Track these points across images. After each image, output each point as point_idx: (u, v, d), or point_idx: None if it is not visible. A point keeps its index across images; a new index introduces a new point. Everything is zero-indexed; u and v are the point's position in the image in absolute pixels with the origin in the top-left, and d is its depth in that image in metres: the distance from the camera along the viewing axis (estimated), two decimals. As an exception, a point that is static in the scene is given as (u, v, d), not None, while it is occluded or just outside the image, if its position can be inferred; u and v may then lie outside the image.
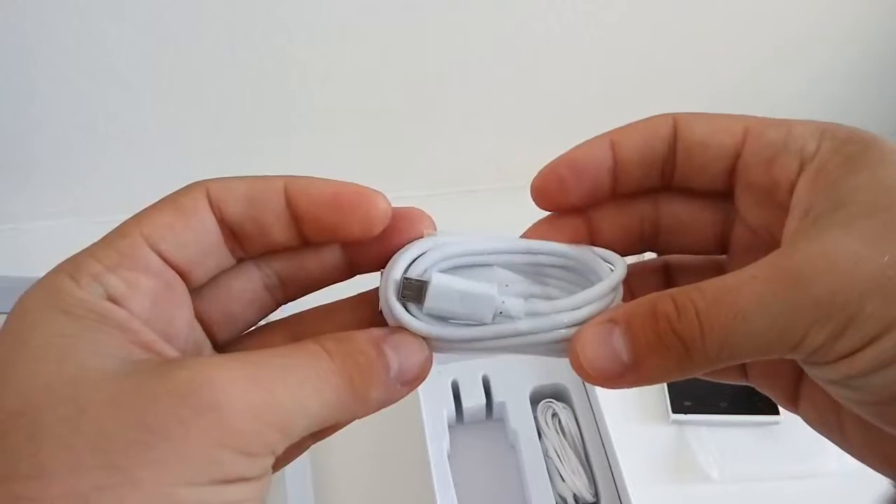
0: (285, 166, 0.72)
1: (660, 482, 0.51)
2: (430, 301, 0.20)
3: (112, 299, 0.17)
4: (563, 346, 0.21)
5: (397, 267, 0.21)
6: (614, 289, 0.21)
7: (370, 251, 0.21)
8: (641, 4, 0.57)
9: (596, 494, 0.48)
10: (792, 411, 0.22)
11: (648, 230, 0.23)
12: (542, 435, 0.50)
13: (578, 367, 0.19)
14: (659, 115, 0.22)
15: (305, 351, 0.18)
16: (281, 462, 0.20)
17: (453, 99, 0.63)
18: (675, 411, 0.53)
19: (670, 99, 0.67)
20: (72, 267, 0.18)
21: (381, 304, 0.21)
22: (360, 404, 0.18)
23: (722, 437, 0.53)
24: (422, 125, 0.65)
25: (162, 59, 0.55)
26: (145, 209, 0.19)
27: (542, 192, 0.22)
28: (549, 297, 0.21)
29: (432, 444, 0.48)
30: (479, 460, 0.51)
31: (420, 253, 0.21)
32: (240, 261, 0.21)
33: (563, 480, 0.48)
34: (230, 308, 0.21)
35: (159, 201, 0.20)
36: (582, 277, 0.22)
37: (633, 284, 0.23)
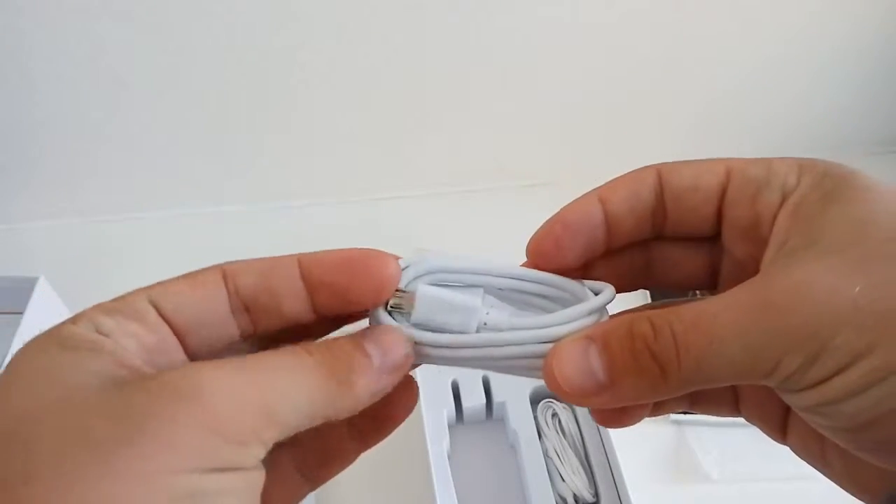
0: (285, 166, 0.73)
1: (660, 482, 0.51)
2: (417, 311, 0.21)
3: (102, 333, 0.18)
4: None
5: None
6: (599, 310, 0.21)
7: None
8: (641, 6, 0.57)
9: (596, 494, 0.48)
10: (781, 442, 0.23)
11: (640, 273, 0.24)
12: (542, 435, 0.50)
13: (552, 382, 0.19)
14: (641, 168, 0.22)
15: (287, 351, 0.19)
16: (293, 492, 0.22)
17: (453, 99, 0.63)
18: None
19: (670, 100, 0.67)
20: (75, 315, 0.19)
21: (369, 317, 0.22)
22: (347, 395, 0.19)
23: (722, 437, 0.53)
24: (422, 125, 0.66)
25: (162, 58, 0.55)
26: (163, 280, 0.21)
27: (539, 253, 0.22)
28: None
29: (432, 444, 0.48)
30: (479, 460, 0.51)
31: (405, 266, 0.21)
32: (246, 338, 0.21)
33: (563, 480, 0.48)
34: None
35: (179, 275, 0.21)
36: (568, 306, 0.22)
37: None
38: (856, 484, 0.21)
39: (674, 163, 0.22)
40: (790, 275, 0.18)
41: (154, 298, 0.20)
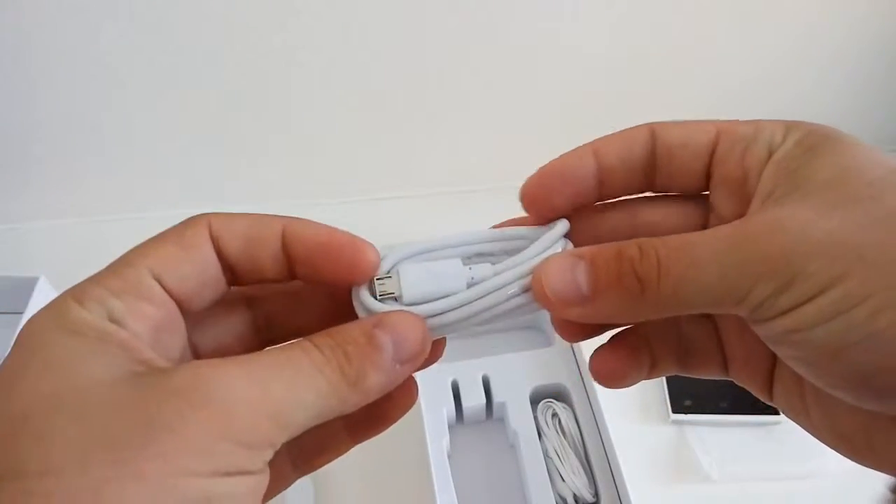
0: (285, 166, 0.73)
1: (660, 482, 0.51)
2: (406, 290, 0.21)
3: (114, 321, 0.18)
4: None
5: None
6: (562, 235, 0.22)
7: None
8: (642, 5, 0.57)
9: (596, 494, 0.48)
10: (767, 400, 0.23)
11: (625, 235, 0.23)
12: (542, 435, 0.50)
13: (539, 291, 0.20)
14: (636, 126, 0.23)
15: (297, 347, 0.19)
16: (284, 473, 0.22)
17: (453, 99, 0.63)
18: (675, 411, 0.53)
19: (670, 100, 0.67)
20: (77, 291, 0.18)
21: (357, 308, 0.21)
22: (357, 391, 0.19)
23: (722, 437, 0.53)
24: (422, 125, 0.66)
25: (162, 58, 0.55)
26: (151, 240, 0.20)
27: (531, 197, 0.23)
28: None
29: (432, 444, 0.48)
30: (479, 460, 0.51)
31: (383, 256, 0.22)
32: (232, 298, 0.22)
33: (563, 480, 0.48)
34: (221, 341, 0.22)
35: (164, 233, 0.21)
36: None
37: None
38: (835, 435, 0.21)
39: (666, 122, 0.22)
40: (771, 212, 0.19)
41: (156, 271, 0.19)
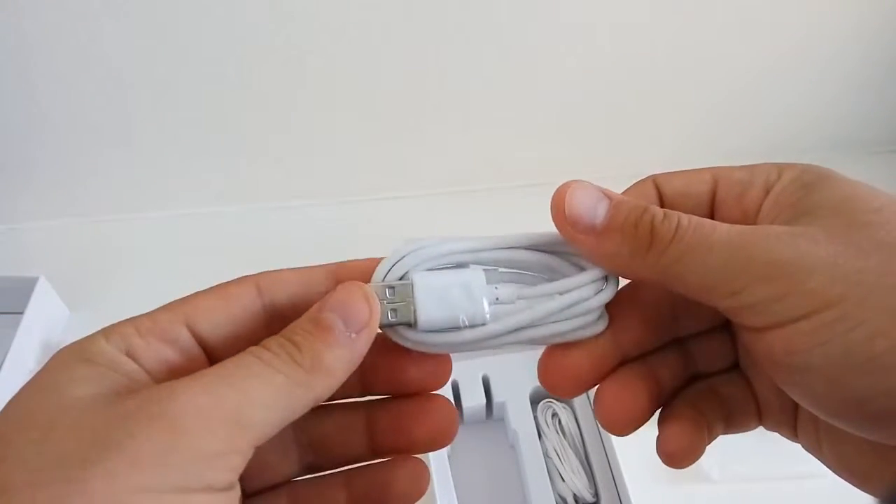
0: (285, 166, 0.73)
1: (660, 482, 0.51)
2: (421, 314, 0.20)
3: (129, 355, 0.19)
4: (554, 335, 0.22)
5: (377, 273, 0.21)
6: (603, 278, 0.21)
7: None
8: (642, 6, 0.57)
9: (596, 494, 0.48)
10: (795, 441, 0.26)
11: None
12: (543, 435, 0.50)
13: (558, 203, 0.21)
14: (641, 180, 0.24)
15: (247, 352, 0.19)
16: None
17: (453, 99, 0.63)
18: (675, 411, 0.53)
19: (671, 100, 0.67)
20: (109, 328, 0.20)
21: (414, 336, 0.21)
22: (318, 374, 0.19)
23: (722, 437, 0.53)
24: (422, 125, 0.65)
25: (162, 58, 0.55)
26: (196, 293, 0.21)
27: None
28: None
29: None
30: (479, 460, 0.51)
31: (398, 258, 0.21)
32: None
33: (563, 480, 0.48)
34: None
35: (218, 284, 0.22)
36: (558, 271, 0.22)
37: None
38: (847, 469, 0.22)
39: (666, 173, 0.24)
40: (783, 227, 0.20)
41: (190, 319, 0.20)
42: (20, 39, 0.52)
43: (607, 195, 0.22)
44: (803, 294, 0.18)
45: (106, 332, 0.19)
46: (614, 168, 0.73)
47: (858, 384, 0.18)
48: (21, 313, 0.53)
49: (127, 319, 0.20)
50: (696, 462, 0.52)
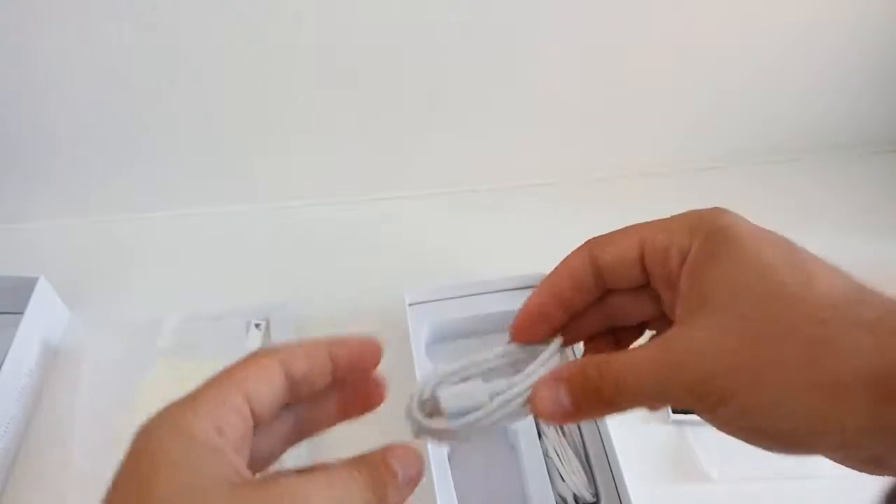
0: (286, 166, 0.73)
1: (660, 482, 0.51)
2: (447, 409, 0.29)
3: (218, 431, 0.23)
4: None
5: (419, 391, 0.30)
6: (556, 352, 0.30)
7: (357, 398, 0.31)
8: (641, 7, 0.57)
9: (596, 494, 0.48)
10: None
11: (605, 321, 0.32)
12: (543, 435, 0.50)
13: (538, 412, 0.28)
14: (574, 252, 0.30)
15: (345, 471, 0.25)
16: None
17: (454, 99, 0.63)
18: (675, 411, 0.53)
19: (670, 101, 0.67)
20: (190, 402, 0.24)
21: (410, 422, 0.30)
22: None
23: (722, 437, 0.53)
24: (422, 125, 0.66)
25: (162, 58, 0.55)
26: (240, 366, 0.26)
27: (521, 335, 0.31)
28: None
29: (433, 444, 0.48)
30: (480, 460, 0.51)
31: (423, 382, 0.30)
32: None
33: (563, 480, 0.48)
34: (271, 443, 0.29)
35: (246, 362, 0.26)
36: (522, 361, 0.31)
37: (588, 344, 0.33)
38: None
39: (599, 240, 0.29)
40: (686, 336, 0.25)
41: (243, 391, 0.25)
42: (21, 40, 0.52)
43: (559, 379, 0.27)
44: (712, 394, 0.24)
45: (191, 407, 0.24)
46: (614, 168, 0.73)
47: (771, 435, 0.24)
48: (21, 313, 0.53)
49: (196, 396, 0.24)
50: (697, 462, 0.54)
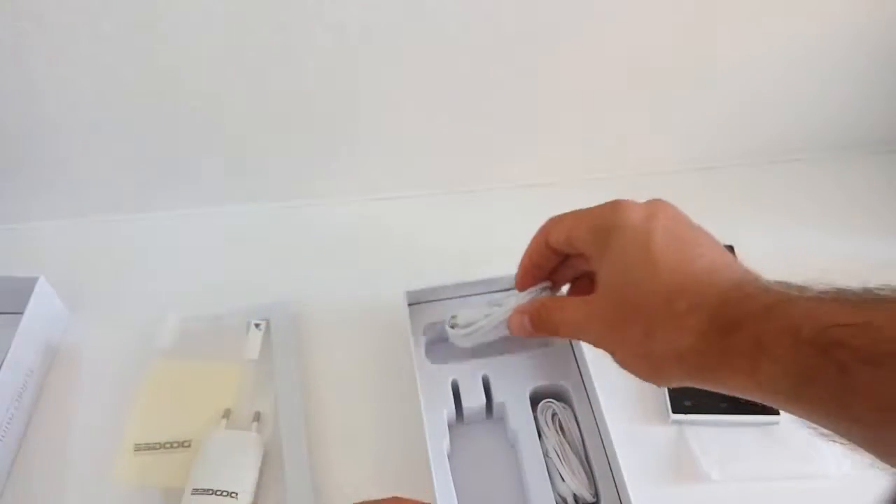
0: (286, 166, 0.72)
1: (660, 482, 0.51)
2: (461, 321, 0.46)
3: None
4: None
5: (451, 313, 0.47)
6: (526, 296, 0.43)
7: None
8: (644, 8, 0.57)
9: (596, 494, 0.48)
10: None
11: (570, 271, 0.43)
12: (542, 435, 0.50)
13: (512, 328, 0.42)
14: (538, 232, 0.42)
15: None
16: None
17: (454, 99, 0.63)
18: (675, 411, 0.53)
19: (670, 101, 0.67)
20: None
21: (447, 335, 0.47)
22: None
23: (722, 437, 0.53)
24: (422, 125, 0.66)
25: (161, 58, 0.55)
26: None
27: (518, 281, 0.44)
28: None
29: (432, 444, 0.48)
30: (480, 460, 0.51)
31: (453, 313, 0.47)
32: None
33: (563, 480, 0.48)
34: None
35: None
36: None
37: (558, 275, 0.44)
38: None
39: (551, 223, 0.41)
40: (590, 303, 0.37)
41: None
42: (20, 39, 0.52)
43: (523, 312, 0.41)
44: (598, 347, 0.36)
45: None
46: (614, 169, 0.73)
47: (638, 372, 0.35)
48: (21, 313, 0.53)
49: None
50: (697, 462, 0.56)
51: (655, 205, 0.37)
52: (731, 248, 0.64)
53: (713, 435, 0.53)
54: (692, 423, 0.54)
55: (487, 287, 0.57)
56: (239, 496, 0.47)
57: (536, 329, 0.40)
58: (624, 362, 0.35)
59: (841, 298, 0.28)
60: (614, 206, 0.37)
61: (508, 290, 0.54)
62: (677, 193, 0.71)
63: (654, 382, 0.34)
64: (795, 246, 0.64)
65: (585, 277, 0.42)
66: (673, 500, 0.51)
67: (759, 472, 0.51)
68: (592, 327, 0.36)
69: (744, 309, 0.30)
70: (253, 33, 0.55)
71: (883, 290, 0.27)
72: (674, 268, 0.33)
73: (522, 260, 0.43)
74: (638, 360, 0.34)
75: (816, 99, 0.70)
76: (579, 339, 0.38)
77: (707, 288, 0.32)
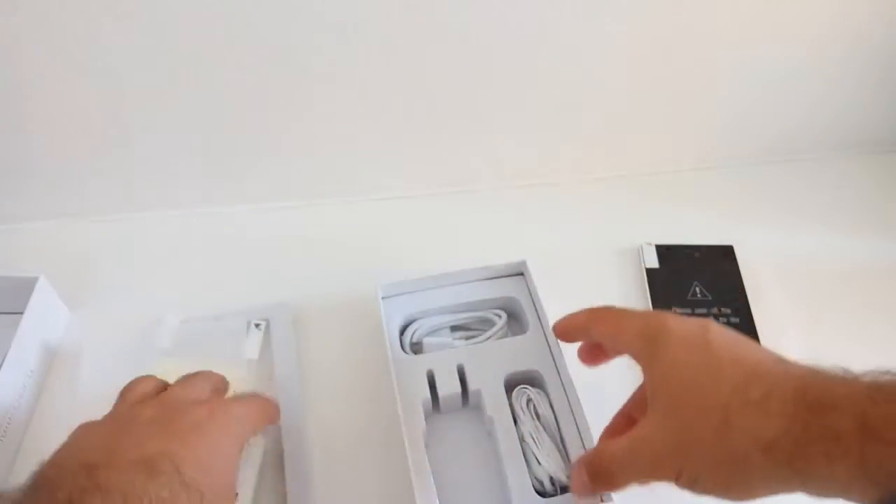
0: (286, 165, 0.72)
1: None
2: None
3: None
4: None
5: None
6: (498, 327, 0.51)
7: None
8: (646, 9, 0.57)
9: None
10: None
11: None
12: (518, 420, 0.50)
13: (574, 489, 0.40)
14: (579, 319, 0.43)
15: None
16: None
17: (454, 99, 0.63)
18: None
19: (670, 102, 0.67)
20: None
21: None
22: None
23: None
24: (422, 125, 0.66)
25: (162, 58, 0.55)
26: None
27: (560, 333, 0.46)
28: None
29: (409, 433, 0.48)
30: (457, 448, 0.51)
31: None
32: None
33: (540, 463, 0.48)
34: None
35: None
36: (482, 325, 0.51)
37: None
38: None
39: (595, 316, 0.42)
40: (643, 428, 0.35)
41: None
42: (19, 39, 0.52)
43: (582, 465, 0.38)
44: (662, 473, 0.33)
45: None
46: (614, 169, 0.73)
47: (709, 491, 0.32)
48: (21, 313, 0.53)
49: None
50: None
51: (702, 318, 0.36)
52: (732, 249, 0.64)
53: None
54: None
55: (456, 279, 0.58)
56: (239, 496, 0.47)
57: (596, 485, 0.37)
58: (696, 476, 0.31)
59: None
60: (660, 314, 0.37)
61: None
62: (678, 193, 0.71)
63: (734, 495, 0.30)
64: (799, 246, 0.64)
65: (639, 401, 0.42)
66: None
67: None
68: (656, 451, 0.33)
69: (834, 393, 0.28)
70: (253, 33, 0.55)
71: None
72: (735, 360, 0.31)
73: (565, 324, 0.45)
74: (714, 466, 0.30)
75: (820, 99, 0.70)
76: (642, 480, 0.34)
77: (781, 375, 0.30)
